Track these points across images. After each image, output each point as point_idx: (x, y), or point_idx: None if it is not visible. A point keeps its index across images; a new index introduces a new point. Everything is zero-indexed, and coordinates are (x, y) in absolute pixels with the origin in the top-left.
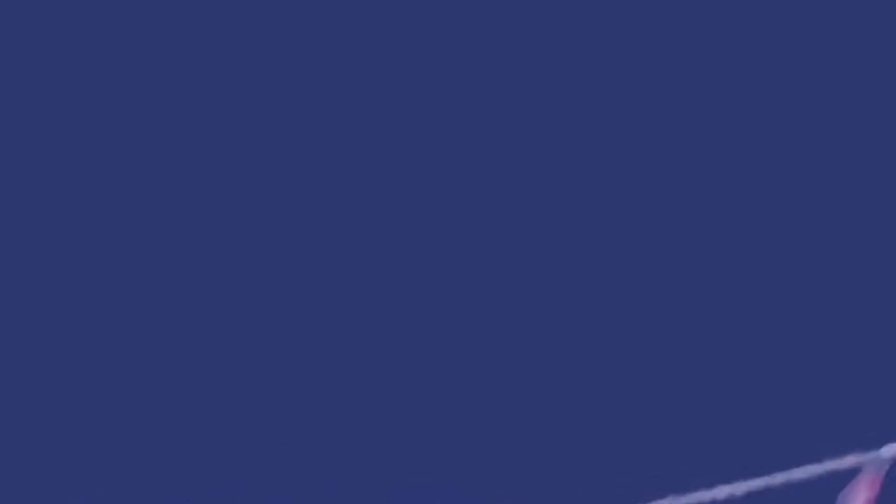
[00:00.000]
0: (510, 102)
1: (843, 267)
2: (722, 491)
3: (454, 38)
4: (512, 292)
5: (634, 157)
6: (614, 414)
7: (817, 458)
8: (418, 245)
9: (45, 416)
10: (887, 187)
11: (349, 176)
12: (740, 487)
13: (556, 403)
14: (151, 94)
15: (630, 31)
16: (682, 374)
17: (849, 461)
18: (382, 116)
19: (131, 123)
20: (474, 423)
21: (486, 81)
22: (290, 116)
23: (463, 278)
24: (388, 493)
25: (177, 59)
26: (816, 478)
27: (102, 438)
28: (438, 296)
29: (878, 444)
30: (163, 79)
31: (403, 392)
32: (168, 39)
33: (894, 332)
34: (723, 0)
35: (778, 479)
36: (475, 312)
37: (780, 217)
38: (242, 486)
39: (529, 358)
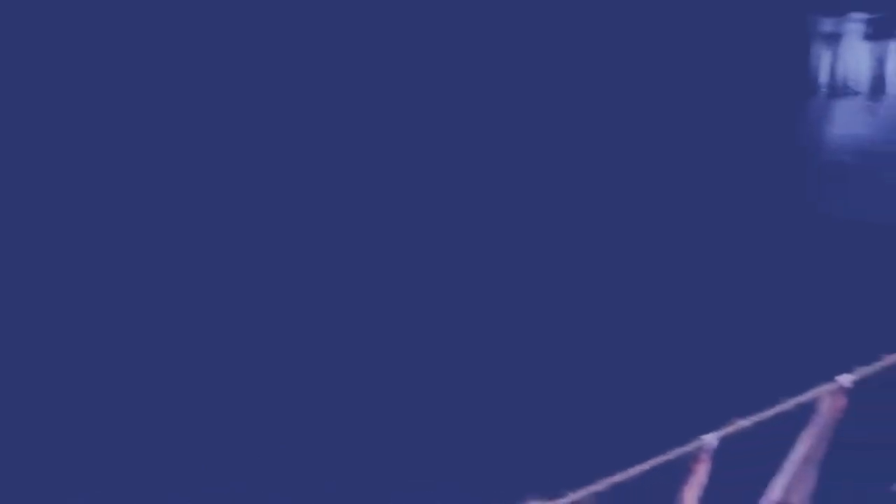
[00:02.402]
0: (509, 103)
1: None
2: None
3: (454, 38)
4: (511, 293)
5: (631, 157)
6: (614, 414)
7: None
8: (418, 245)
9: (45, 416)
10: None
11: (349, 176)
12: None
13: (556, 403)
14: (151, 94)
15: (628, 32)
16: (681, 375)
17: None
18: (382, 116)
19: (131, 123)
20: (474, 423)
21: (485, 82)
22: (290, 116)
23: (462, 279)
24: (388, 493)
25: (177, 59)
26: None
27: (102, 438)
28: (438, 296)
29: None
30: (163, 79)
31: (403, 392)
32: (168, 39)
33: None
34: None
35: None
36: (475, 313)
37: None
38: (242, 486)
39: (530, 358)
